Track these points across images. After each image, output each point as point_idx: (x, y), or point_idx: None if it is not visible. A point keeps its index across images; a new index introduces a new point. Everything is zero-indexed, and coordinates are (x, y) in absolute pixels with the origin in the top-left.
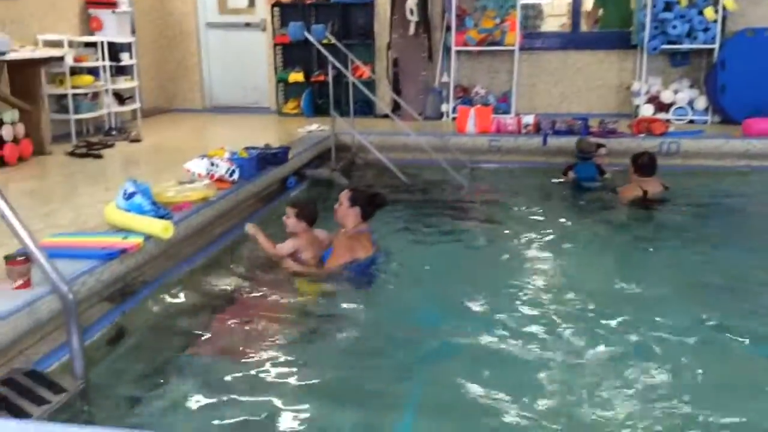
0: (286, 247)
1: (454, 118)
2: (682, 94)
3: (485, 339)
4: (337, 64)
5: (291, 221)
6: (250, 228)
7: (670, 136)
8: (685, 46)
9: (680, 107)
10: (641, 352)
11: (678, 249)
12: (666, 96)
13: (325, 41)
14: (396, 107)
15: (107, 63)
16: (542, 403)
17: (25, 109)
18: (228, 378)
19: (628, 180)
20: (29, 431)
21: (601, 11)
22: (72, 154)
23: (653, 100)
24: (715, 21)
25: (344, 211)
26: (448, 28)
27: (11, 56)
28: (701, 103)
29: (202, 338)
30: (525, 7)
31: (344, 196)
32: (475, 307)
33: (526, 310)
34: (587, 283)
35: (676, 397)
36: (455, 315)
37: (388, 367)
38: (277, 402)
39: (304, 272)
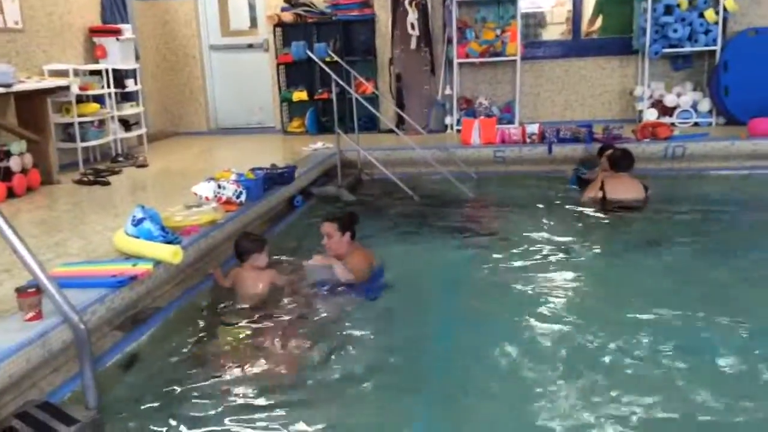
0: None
1: (458, 130)
2: (685, 97)
3: (492, 349)
4: (340, 82)
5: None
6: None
7: (676, 140)
8: (687, 49)
9: (684, 110)
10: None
11: (628, 258)
12: (669, 100)
13: (327, 59)
14: (400, 122)
15: (112, 90)
16: (547, 415)
17: (33, 139)
18: (244, 400)
19: (605, 176)
20: None
21: (600, 18)
22: (80, 182)
23: (657, 104)
24: (716, 23)
25: (338, 240)
26: (450, 41)
27: (17, 87)
28: (705, 105)
29: (217, 362)
30: (525, 16)
31: (331, 227)
32: (482, 317)
33: (530, 320)
34: (584, 294)
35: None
36: (462, 327)
37: (396, 382)
38: (294, 421)
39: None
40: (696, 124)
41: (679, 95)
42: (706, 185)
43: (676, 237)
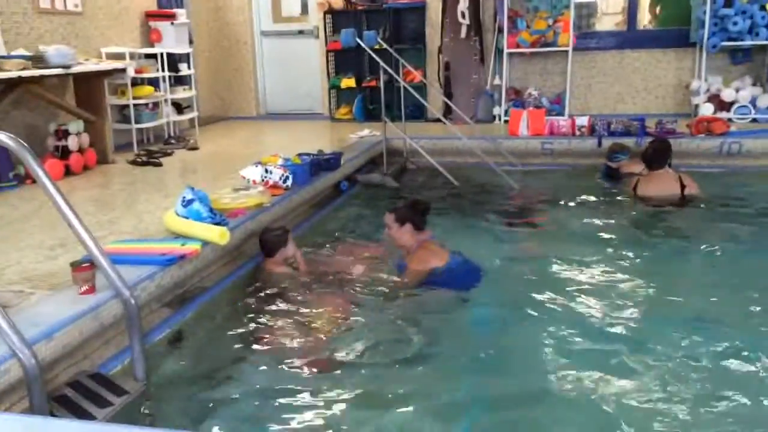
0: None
1: (506, 121)
2: (744, 92)
3: (546, 344)
4: (389, 70)
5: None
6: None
7: (732, 136)
8: (747, 42)
9: (742, 106)
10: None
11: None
12: (727, 94)
13: (376, 47)
14: (447, 111)
15: (166, 73)
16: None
17: (90, 119)
18: (286, 380)
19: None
20: None
21: (659, 8)
22: (133, 162)
23: (713, 98)
24: None
25: (396, 233)
26: (500, 30)
27: (76, 69)
28: (765, 101)
29: (259, 342)
30: (578, 6)
31: (389, 219)
32: (518, 309)
33: (565, 313)
34: (622, 290)
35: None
36: (500, 319)
37: (451, 376)
38: (337, 408)
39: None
40: (754, 120)
41: (737, 90)
42: (761, 183)
43: (715, 234)
